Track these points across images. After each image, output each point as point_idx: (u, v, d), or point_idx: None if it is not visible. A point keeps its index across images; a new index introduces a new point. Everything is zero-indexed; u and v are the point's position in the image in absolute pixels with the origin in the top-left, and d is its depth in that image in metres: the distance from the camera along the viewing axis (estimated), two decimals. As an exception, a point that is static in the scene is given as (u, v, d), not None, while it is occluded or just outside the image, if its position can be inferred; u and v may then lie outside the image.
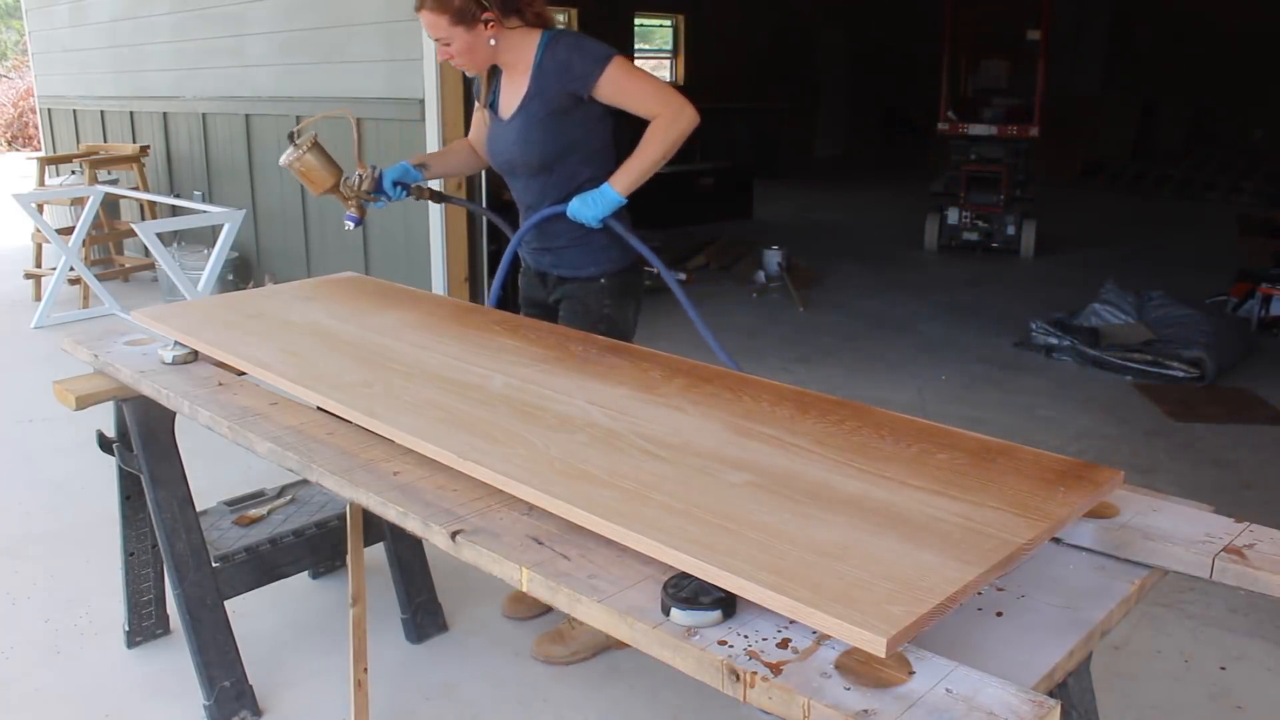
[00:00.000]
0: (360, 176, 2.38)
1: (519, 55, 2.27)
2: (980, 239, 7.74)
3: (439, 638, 2.61)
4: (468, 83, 4.65)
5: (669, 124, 2.19)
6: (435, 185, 2.47)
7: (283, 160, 2.37)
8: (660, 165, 2.24)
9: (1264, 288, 5.59)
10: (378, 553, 2.57)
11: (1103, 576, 1.24)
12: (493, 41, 2.21)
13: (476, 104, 2.49)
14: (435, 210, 4.70)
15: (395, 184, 2.41)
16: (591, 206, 2.23)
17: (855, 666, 1.00)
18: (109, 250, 6.68)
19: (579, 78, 2.21)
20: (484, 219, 4.63)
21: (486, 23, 2.19)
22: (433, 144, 4.58)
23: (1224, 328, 5.04)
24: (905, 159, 13.93)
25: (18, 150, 16.66)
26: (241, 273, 6.03)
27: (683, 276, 6.43)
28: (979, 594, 1.15)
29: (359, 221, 2.43)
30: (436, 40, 2.21)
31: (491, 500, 1.36)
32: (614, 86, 2.21)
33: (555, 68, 2.23)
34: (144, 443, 2.16)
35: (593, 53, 2.22)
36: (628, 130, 2.33)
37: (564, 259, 2.41)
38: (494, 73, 2.37)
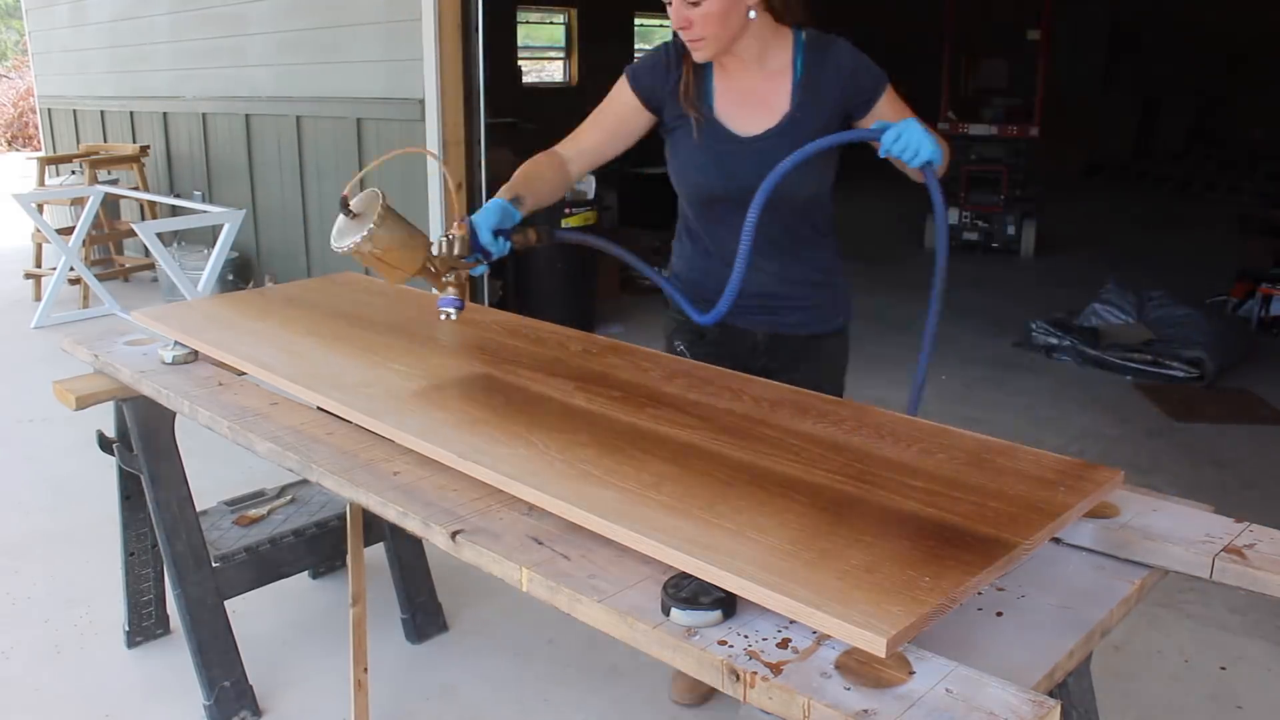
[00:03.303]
0: (449, 239, 1.69)
1: (767, 51, 1.80)
2: (980, 239, 7.74)
3: (439, 638, 2.61)
4: (468, 82, 4.64)
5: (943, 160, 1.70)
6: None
7: (343, 245, 1.64)
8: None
9: (1264, 288, 5.59)
10: (378, 553, 2.57)
11: (1103, 576, 1.24)
12: (753, 14, 1.74)
13: (607, 105, 1.92)
14: (435, 210, 4.63)
15: (496, 234, 1.72)
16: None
17: (855, 666, 1.00)
18: (109, 250, 6.68)
19: (864, 92, 1.78)
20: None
21: None
22: (433, 145, 4.54)
23: (1224, 328, 5.05)
24: (905, 159, 13.88)
25: (18, 150, 16.64)
26: (241, 273, 6.02)
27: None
28: (979, 594, 1.15)
29: (462, 305, 1.77)
30: None
31: (491, 500, 1.36)
32: (891, 109, 1.78)
33: (836, 77, 1.78)
34: (144, 443, 2.16)
35: (873, 67, 1.80)
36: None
37: (807, 312, 1.93)
38: (696, 70, 1.87)
